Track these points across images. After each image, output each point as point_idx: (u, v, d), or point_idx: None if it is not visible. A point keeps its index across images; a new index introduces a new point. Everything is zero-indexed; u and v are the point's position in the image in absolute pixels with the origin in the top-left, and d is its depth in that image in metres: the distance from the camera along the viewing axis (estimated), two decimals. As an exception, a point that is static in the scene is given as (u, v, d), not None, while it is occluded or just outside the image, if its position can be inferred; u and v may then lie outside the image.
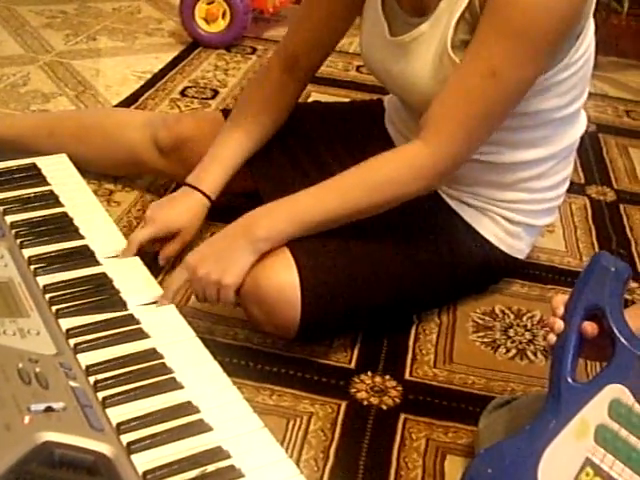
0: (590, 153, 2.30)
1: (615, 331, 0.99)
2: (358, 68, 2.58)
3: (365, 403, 1.31)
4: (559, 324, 1.03)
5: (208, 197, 1.54)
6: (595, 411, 0.97)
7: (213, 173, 1.55)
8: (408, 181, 1.30)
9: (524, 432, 1.02)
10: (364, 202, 1.31)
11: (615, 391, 0.96)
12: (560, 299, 1.05)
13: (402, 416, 1.30)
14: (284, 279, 1.30)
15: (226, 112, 1.70)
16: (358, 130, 1.67)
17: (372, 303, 1.40)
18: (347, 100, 1.97)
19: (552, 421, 1.00)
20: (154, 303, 1.29)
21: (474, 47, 1.27)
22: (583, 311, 1.02)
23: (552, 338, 1.04)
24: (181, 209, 1.53)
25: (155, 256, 1.52)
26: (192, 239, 1.55)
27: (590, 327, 1.01)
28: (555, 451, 0.99)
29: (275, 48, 1.65)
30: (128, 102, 2.23)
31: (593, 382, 0.99)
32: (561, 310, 1.04)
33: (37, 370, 1.06)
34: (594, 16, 1.37)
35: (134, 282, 1.33)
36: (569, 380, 1.01)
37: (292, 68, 1.57)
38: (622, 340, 0.98)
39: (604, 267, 1.02)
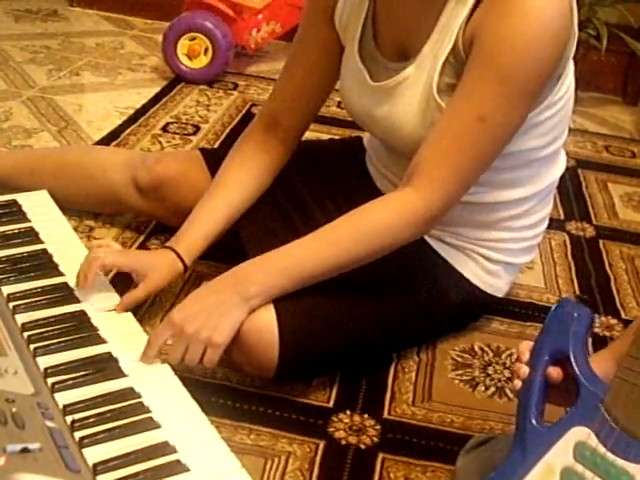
0: (570, 189, 2.32)
1: (578, 375, 1.00)
2: (339, 104, 2.60)
3: (343, 442, 1.31)
4: (524, 369, 1.04)
5: (182, 261, 1.45)
6: (560, 454, 0.97)
7: (191, 237, 1.48)
8: (401, 229, 1.30)
9: (491, 478, 1.02)
10: (358, 252, 1.30)
11: (580, 433, 0.97)
12: (526, 345, 1.06)
13: (380, 455, 1.30)
14: (262, 320, 1.30)
15: (204, 151, 1.71)
16: (339, 171, 1.67)
17: (351, 343, 1.40)
18: (327, 137, 1.97)
19: (518, 465, 1.00)
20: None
21: (462, 92, 1.28)
22: (548, 356, 1.03)
23: (517, 383, 1.05)
24: (153, 259, 1.45)
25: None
26: (156, 293, 1.48)
27: (555, 372, 1.02)
28: (521, 496, 0.99)
29: (257, 112, 1.64)
30: (110, 138, 2.24)
31: (558, 425, 0.99)
32: (526, 356, 1.04)
33: (14, 410, 1.05)
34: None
35: (115, 323, 1.33)
36: (534, 424, 1.01)
37: (274, 130, 1.55)
38: (585, 383, 0.99)
39: (567, 313, 1.03)
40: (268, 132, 1.56)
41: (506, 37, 1.23)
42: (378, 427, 1.35)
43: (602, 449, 0.94)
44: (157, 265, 1.43)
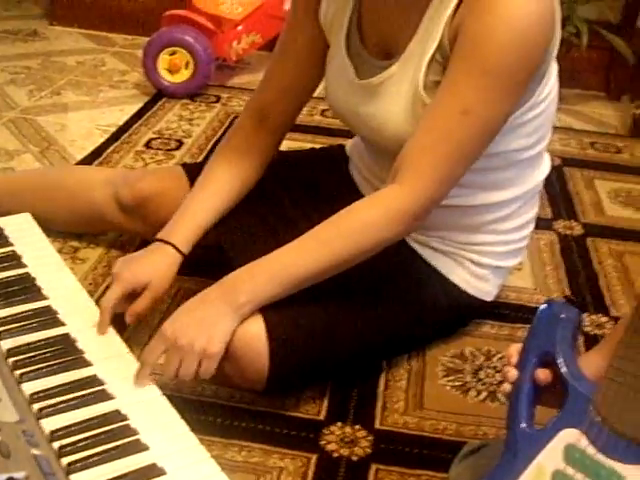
0: (556, 187, 2.31)
1: (566, 376, 0.99)
2: (323, 112, 2.60)
3: (335, 455, 1.30)
4: (512, 372, 1.04)
5: (179, 251, 1.46)
6: (551, 456, 0.97)
7: (185, 227, 1.48)
8: (386, 226, 1.29)
9: (483, 483, 1.02)
10: (345, 252, 1.29)
11: (570, 435, 0.96)
12: (514, 348, 1.05)
13: (373, 466, 1.29)
14: (251, 331, 1.29)
15: (186, 166, 1.71)
16: (322, 180, 1.67)
17: (340, 352, 1.40)
18: (311, 146, 1.96)
19: (509, 469, 1.00)
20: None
21: (446, 86, 1.28)
22: (535, 358, 1.02)
23: (507, 387, 1.04)
24: (150, 262, 1.44)
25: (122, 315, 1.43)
26: (163, 295, 1.46)
27: (543, 374, 1.02)
28: (513, 499, 0.99)
29: (246, 103, 1.64)
30: (93, 157, 2.23)
31: (548, 428, 0.99)
32: (515, 359, 1.04)
33: (-1, 439, 1.04)
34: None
35: (101, 345, 1.31)
36: (524, 427, 1.01)
37: (262, 122, 1.55)
38: (573, 384, 0.98)
39: (554, 314, 1.03)
40: (257, 125, 1.56)
41: (489, 30, 1.23)
42: (370, 438, 1.34)
43: (592, 450, 0.94)
44: (155, 269, 1.42)
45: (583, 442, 0.95)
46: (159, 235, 1.49)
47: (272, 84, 1.57)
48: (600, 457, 0.93)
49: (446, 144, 1.28)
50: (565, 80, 2.85)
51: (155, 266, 1.43)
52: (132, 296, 1.42)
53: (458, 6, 1.28)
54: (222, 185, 1.53)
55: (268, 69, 1.59)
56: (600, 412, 0.94)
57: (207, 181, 1.54)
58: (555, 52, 1.36)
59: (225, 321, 1.26)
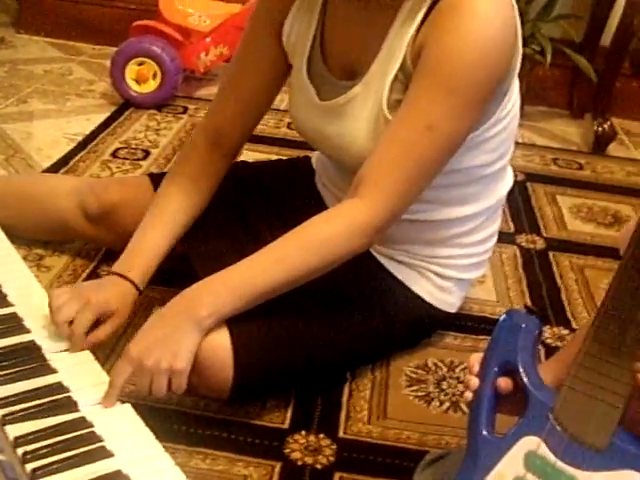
0: (519, 202, 2.34)
1: (527, 384, 1.01)
2: (289, 125, 2.61)
3: (299, 463, 1.30)
4: (474, 381, 1.05)
5: (136, 287, 1.43)
6: (512, 464, 0.99)
7: (141, 261, 1.45)
8: (348, 240, 1.29)
9: (443, 490, 1.03)
10: (305, 266, 1.29)
11: (530, 443, 0.98)
12: (475, 357, 1.07)
13: (337, 475, 1.29)
14: (216, 341, 1.30)
15: (153, 177, 1.70)
16: (288, 192, 1.67)
17: (305, 362, 1.40)
18: (275, 158, 1.97)
19: (470, 476, 1.01)
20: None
21: (409, 102, 1.29)
22: (497, 367, 1.04)
23: (468, 395, 1.06)
24: (114, 293, 1.40)
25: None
26: (121, 326, 1.43)
27: (504, 382, 1.04)
28: (474, 506, 1.00)
29: (199, 123, 1.62)
30: (59, 165, 2.22)
31: (509, 435, 1.01)
32: (476, 368, 1.06)
33: (-38, 445, 1.04)
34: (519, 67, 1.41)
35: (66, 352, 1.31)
36: (485, 434, 1.02)
37: (217, 142, 1.54)
38: (534, 392, 1.00)
39: (515, 324, 1.05)
40: (212, 147, 1.54)
41: (453, 49, 1.25)
42: (334, 446, 1.35)
43: (552, 458, 0.95)
44: (118, 299, 1.40)
45: (543, 449, 0.96)
46: (116, 268, 1.45)
47: (228, 107, 1.55)
48: (560, 464, 0.95)
49: (408, 158, 1.29)
50: (529, 97, 2.92)
51: (118, 298, 1.41)
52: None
53: (421, 25, 1.30)
54: (179, 214, 1.50)
55: (224, 87, 1.57)
56: (560, 420, 0.96)
57: (163, 204, 1.51)
58: (517, 69, 1.39)
59: (188, 336, 1.26)
